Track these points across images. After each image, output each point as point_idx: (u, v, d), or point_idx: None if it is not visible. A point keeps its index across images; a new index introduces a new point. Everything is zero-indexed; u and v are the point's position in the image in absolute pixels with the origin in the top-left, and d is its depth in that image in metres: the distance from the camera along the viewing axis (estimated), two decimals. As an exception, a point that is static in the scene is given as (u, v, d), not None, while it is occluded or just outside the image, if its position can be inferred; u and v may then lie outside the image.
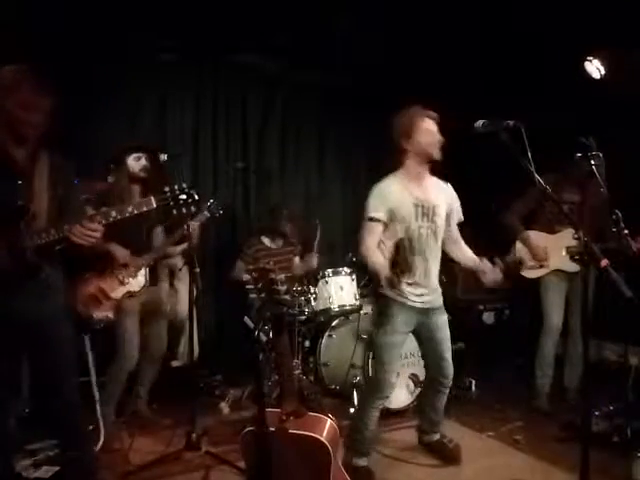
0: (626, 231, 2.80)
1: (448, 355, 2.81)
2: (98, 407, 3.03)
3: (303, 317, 3.76)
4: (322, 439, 2.02)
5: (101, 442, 2.94)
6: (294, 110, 5.07)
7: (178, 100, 4.51)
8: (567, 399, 3.63)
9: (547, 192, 2.22)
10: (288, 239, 4.28)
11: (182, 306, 3.79)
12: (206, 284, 3.09)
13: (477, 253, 2.88)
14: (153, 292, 3.33)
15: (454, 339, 4.50)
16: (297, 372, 3.53)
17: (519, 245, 3.69)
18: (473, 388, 4.05)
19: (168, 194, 2.20)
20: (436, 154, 2.64)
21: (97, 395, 3.04)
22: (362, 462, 2.77)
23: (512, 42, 4.05)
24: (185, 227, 3.12)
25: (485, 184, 4.74)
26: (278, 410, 2.13)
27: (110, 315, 3.05)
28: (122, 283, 3.10)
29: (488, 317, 4.80)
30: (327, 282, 3.89)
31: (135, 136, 4.16)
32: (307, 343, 3.97)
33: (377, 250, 2.60)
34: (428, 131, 2.63)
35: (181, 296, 3.82)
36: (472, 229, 3.03)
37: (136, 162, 3.21)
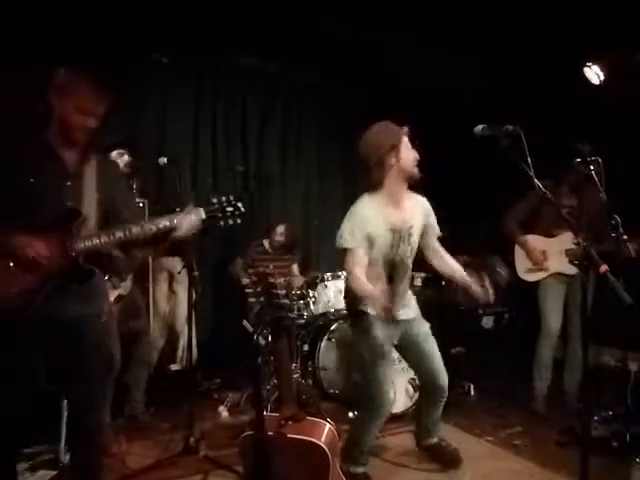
0: (625, 236, 2.80)
1: (440, 365, 2.75)
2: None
3: (302, 321, 3.75)
4: (321, 444, 2.01)
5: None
6: (294, 112, 5.07)
7: (178, 102, 4.52)
8: (567, 404, 3.62)
9: (547, 197, 2.22)
10: (287, 249, 4.31)
11: (181, 309, 3.79)
12: (205, 288, 3.08)
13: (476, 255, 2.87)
14: (133, 294, 3.32)
15: (453, 343, 4.56)
16: (296, 376, 3.53)
17: (518, 249, 3.71)
18: (472, 392, 4.05)
19: (216, 205, 2.18)
20: (415, 175, 2.57)
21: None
22: (359, 469, 2.74)
23: (511, 47, 4.06)
24: None
25: (483, 188, 4.74)
26: (277, 414, 2.13)
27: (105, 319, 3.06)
28: (115, 287, 3.11)
29: (487, 321, 4.80)
30: (326, 286, 3.89)
31: (135, 138, 4.16)
32: (306, 347, 3.95)
33: (362, 277, 2.50)
34: (408, 150, 2.56)
35: (180, 299, 3.82)
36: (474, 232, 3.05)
37: (120, 158, 3.20)
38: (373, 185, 2.58)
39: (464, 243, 4.55)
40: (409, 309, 2.73)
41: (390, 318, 2.52)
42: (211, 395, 3.96)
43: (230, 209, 2.20)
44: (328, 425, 2.15)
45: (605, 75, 3.94)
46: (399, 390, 3.46)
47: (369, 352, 2.57)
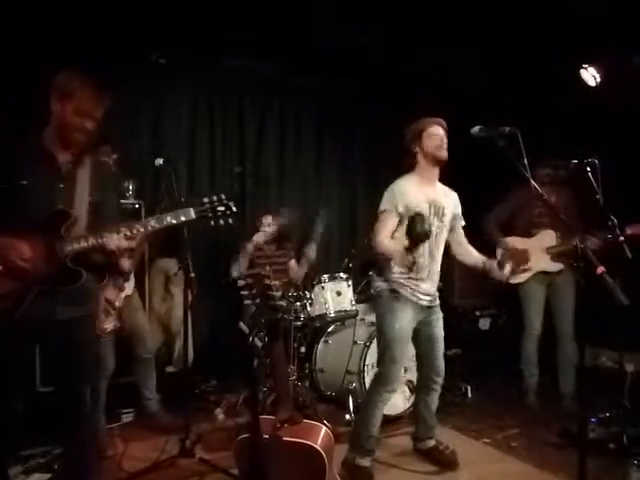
0: (622, 237, 2.80)
1: (441, 353, 2.92)
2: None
3: (299, 323, 3.74)
4: (317, 447, 2.00)
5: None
6: (292, 113, 5.06)
7: (175, 103, 4.50)
8: (564, 405, 3.62)
9: (544, 198, 2.23)
10: (281, 243, 4.28)
11: (177, 311, 3.77)
12: (201, 289, 3.07)
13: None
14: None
15: (450, 345, 4.55)
16: (292, 378, 3.52)
17: (499, 252, 3.76)
18: (469, 394, 4.05)
19: (207, 205, 2.18)
20: (443, 155, 2.78)
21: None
22: (365, 462, 2.78)
23: (508, 48, 4.07)
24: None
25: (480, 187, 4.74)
26: (273, 417, 2.12)
27: (117, 324, 3.07)
28: (121, 290, 3.12)
29: (484, 323, 4.80)
30: (323, 287, 3.87)
31: (133, 139, 4.16)
32: (303, 349, 3.94)
33: (389, 239, 2.73)
34: (435, 135, 2.79)
35: (176, 301, 3.80)
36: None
37: (109, 156, 3.19)
38: (406, 169, 2.88)
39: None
40: (435, 298, 2.90)
41: (406, 289, 2.72)
42: (207, 397, 3.94)
43: (221, 208, 2.20)
44: (324, 428, 2.14)
45: (601, 77, 3.94)
46: (396, 393, 3.45)
47: (391, 331, 2.74)
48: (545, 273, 3.67)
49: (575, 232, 2.18)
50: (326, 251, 5.07)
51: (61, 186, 2.04)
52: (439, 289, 2.93)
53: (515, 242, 3.73)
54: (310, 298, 3.80)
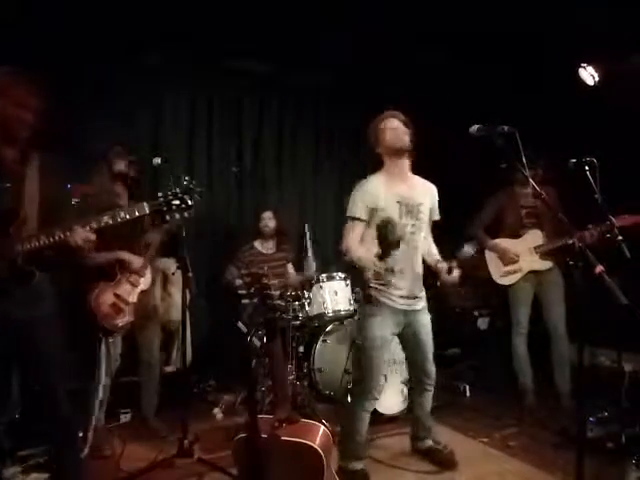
0: (620, 237, 2.81)
1: (431, 356, 2.85)
2: (96, 411, 3.04)
3: (297, 322, 3.74)
4: (315, 446, 2.00)
5: (87, 448, 2.89)
6: (289, 114, 5.06)
7: (173, 103, 4.50)
8: (561, 405, 3.62)
9: (542, 197, 2.23)
10: (279, 243, 4.29)
11: (175, 311, 3.77)
12: (199, 289, 3.06)
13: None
14: (148, 293, 3.31)
15: (449, 344, 4.55)
16: (291, 378, 3.51)
17: (488, 254, 3.78)
18: (467, 394, 4.05)
19: (161, 199, 2.19)
20: (401, 144, 2.70)
21: (97, 399, 3.06)
22: (358, 466, 2.76)
23: (507, 47, 4.07)
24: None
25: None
26: (271, 416, 2.11)
27: (131, 319, 3.11)
28: (135, 285, 3.14)
29: (482, 323, 4.80)
30: (321, 287, 3.88)
31: (131, 139, 4.14)
32: (301, 348, 3.94)
33: (359, 246, 2.64)
34: (389, 129, 2.72)
35: (174, 300, 3.80)
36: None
37: (119, 159, 3.20)
38: (375, 168, 2.81)
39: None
40: (420, 301, 2.80)
41: (383, 280, 2.56)
42: (205, 397, 3.95)
43: (176, 202, 2.20)
44: (322, 427, 2.14)
45: (600, 76, 3.95)
46: (394, 392, 3.46)
47: (369, 337, 2.66)
48: (534, 272, 3.68)
49: (571, 230, 2.18)
50: (324, 250, 5.07)
51: (8, 185, 2.00)
52: (437, 289, 2.90)
53: (503, 243, 3.74)
54: (308, 297, 3.81)
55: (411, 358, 2.90)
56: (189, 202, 2.24)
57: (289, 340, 3.63)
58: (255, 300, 2.23)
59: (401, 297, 2.69)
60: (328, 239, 5.13)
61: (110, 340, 3.11)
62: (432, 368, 2.87)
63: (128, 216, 2.12)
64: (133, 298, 3.13)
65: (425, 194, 2.80)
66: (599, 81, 3.96)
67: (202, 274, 4.25)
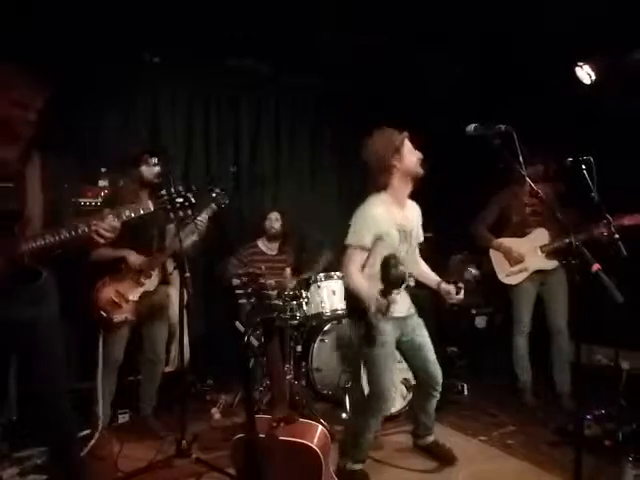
0: (617, 235, 2.82)
1: (433, 356, 2.82)
2: (100, 409, 3.05)
3: (295, 322, 3.73)
4: (313, 446, 2.00)
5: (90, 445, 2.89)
6: (287, 113, 5.05)
7: (170, 102, 4.49)
8: (560, 404, 3.62)
9: (540, 196, 2.23)
10: (282, 245, 4.28)
11: (173, 311, 3.76)
12: (197, 288, 3.06)
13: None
14: (157, 292, 3.31)
15: (447, 343, 4.55)
16: (289, 377, 3.51)
17: (493, 254, 3.77)
18: (465, 392, 4.05)
19: (165, 197, 2.21)
20: (420, 172, 2.66)
21: (99, 397, 3.08)
22: (357, 466, 2.75)
23: (504, 46, 4.08)
24: (194, 221, 3.16)
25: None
26: (269, 416, 2.11)
27: (129, 317, 3.14)
28: (139, 285, 3.16)
29: (480, 321, 4.80)
30: (319, 286, 3.87)
31: (128, 138, 4.14)
32: (299, 348, 3.93)
33: (359, 275, 2.58)
34: (412, 150, 2.67)
35: (172, 300, 3.79)
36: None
37: (149, 167, 3.21)
38: (379, 188, 2.67)
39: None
40: (408, 305, 2.80)
41: (385, 314, 2.48)
42: (203, 397, 3.94)
43: (180, 200, 2.22)
44: (320, 427, 2.14)
45: (596, 75, 3.95)
46: (393, 391, 3.45)
47: (375, 350, 2.60)
48: (538, 271, 3.66)
49: (568, 228, 2.18)
50: (322, 250, 5.07)
51: (11, 185, 1.99)
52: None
53: (508, 242, 3.72)
54: (306, 297, 3.80)
55: (416, 364, 2.85)
56: (192, 200, 2.26)
57: (287, 340, 3.63)
58: (253, 300, 2.22)
59: (397, 308, 2.62)
60: (326, 239, 5.12)
61: (109, 337, 3.12)
62: (438, 370, 2.82)
63: (133, 214, 2.12)
64: (134, 297, 3.14)
65: (414, 218, 2.80)
66: (596, 80, 3.96)
67: (199, 274, 4.24)
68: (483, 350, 4.56)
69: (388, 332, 2.64)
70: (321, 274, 3.96)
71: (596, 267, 1.92)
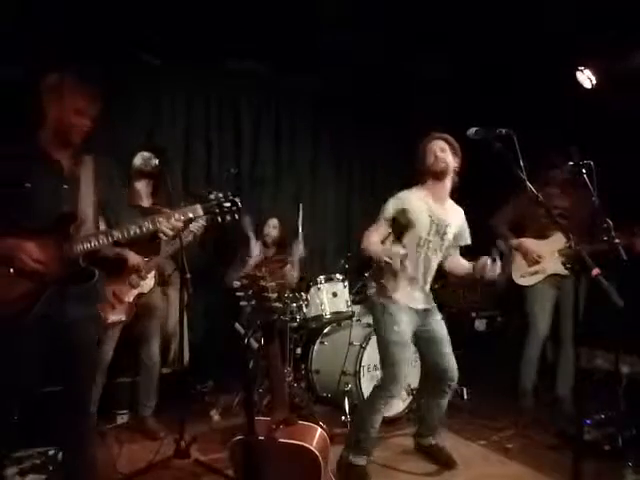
0: (617, 240, 2.81)
1: (450, 352, 2.86)
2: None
3: (295, 324, 3.73)
4: (312, 448, 2.00)
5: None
6: (287, 114, 5.06)
7: (170, 104, 4.49)
8: (560, 408, 3.61)
9: (539, 200, 2.23)
10: (280, 247, 4.29)
11: (172, 312, 3.76)
12: (197, 290, 3.06)
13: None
14: (152, 294, 3.32)
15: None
16: (288, 379, 3.51)
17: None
18: (465, 396, 4.04)
19: (214, 201, 2.19)
20: (437, 168, 2.77)
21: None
22: (360, 461, 2.76)
23: (504, 49, 4.08)
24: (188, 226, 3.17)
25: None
26: (268, 418, 2.11)
27: (123, 318, 3.13)
28: (134, 286, 3.16)
29: (480, 324, 4.80)
30: (319, 288, 3.87)
31: (128, 139, 4.14)
32: (299, 350, 3.94)
33: (376, 239, 2.73)
34: (430, 151, 2.80)
35: (172, 302, 3.79)
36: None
37: (143, 159, 3.25)
38: (416, 183, 2.88)
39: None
40: (430, 299, 2.90)
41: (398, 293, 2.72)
42: (203, 398, 3.94)
43: (227, 205, 2.20)
44: (320, 429, 2.14)
45: (597, 79, 3.96)
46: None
47: (390, 334, 2.71)
48: (556, 276, 3.58)
49: (570, 235, 2.17)
50: (322, 252, 5.07)
51: (65, 187, 2.06)
52: (433, 290, 2.92)
53: (528, 243, 3.66)
54: (306, 299, 3.80)
55: (432, 359, 2.88)
56: (239, 204, 2.24)
57: (287, 342, 3.63)
58: (253, 302, 2.23)
59: (413, 298, 2.79)
60: (326, 240, 5.13)
61: (100, 337, 3.11)
62: (455, 365, 2.86)
63: (182, 217, 2.13)
64: (129, 298, 3.14)
65: (454, 217, 2.90)
66: (597, 84, 3.97)
67: (199, 275, 4.24)
68: (483, 353, 4.56)
69: (405, 322, 2.73)
70: (321, 276, 3.96)
71: (596, 272, 1.92)
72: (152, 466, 2.81)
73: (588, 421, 3.07)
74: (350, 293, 3.93)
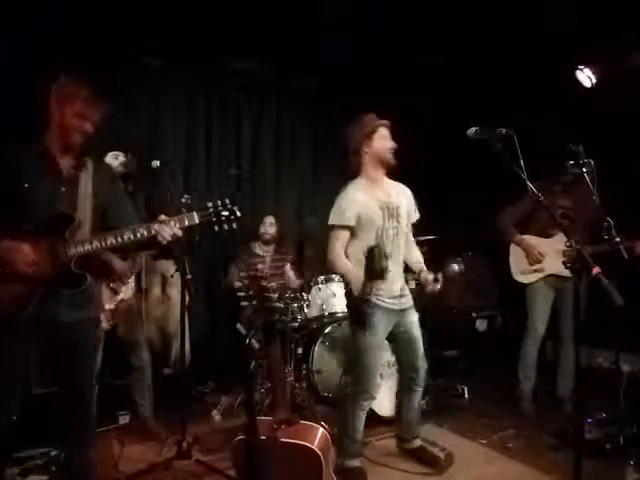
0: (618, 239, 2.81)
1: (421, 353, 2.88)
2: None
3: (296, 324, 3.74)
4: (314, 448, 2.01)
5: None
6: (288, 115, 5.06)
7: (171, 105, 4.50)
8: (560, 408, 3.62)
9: (540, 199, 2.23)
10: (278, 246, 4.29)
11: (174, 313, 3.76)
12: (198, 291, 3.06)
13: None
14: (132, 300, 3.30)
15: (447, 346, 4.56)
16: (289, 380, 3.51)
17: (513, 250, 3.73)
18: (466, 395, 4.05)
19: (211, 210, 2.13)
20: (391, 159, 2.76)
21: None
22: (355, 463, 2.77)
23: (505, 49, 4.09)
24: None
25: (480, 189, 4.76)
26: (270, 418, 2.12)
27: (105, 325, 3.08)
28: (116, 293, 3.13)
29: (481, 324, 4.80)
30: (320, 289, 3.88)
31: (130, 141, 4.14)
32: (300, 350, 3.94)
33: (344, 257, 2.71)
34: (386, 137, 2.76)
35: (173, 303, 3.79)
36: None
37: (114, 159, 3.19)
38: (352, 172, 2.83)
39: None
40: (407, 298, 2.85)
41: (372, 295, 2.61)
42: (204, 399, 3.94)
43: (225, 213, 2.13)
44: (321, 429, 2.14)
45: (597, 78, 3.96)
46: (388, 395, 3.44)
47: (366, 338, 2.68)
48: (556, 276, 3.58)
49: (571, 234, 2.17)
50: (322, 252, 5.06)
51: (63, 189, 2.05)
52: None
53: (532, 240, 3.66)
54: (307, 299, 3.81)
55: (403, 357, 2.92)
56: (238, 213, 2.15)
57: (288, 342, 3.63)
58: (254, 302, 2.24)
59: (389, 297, 2.74)
60: (326, 242, 5.12)
61: None
62: (423, 365, 2.90)
63: (178, 225, 2.09)
64: (110, 305, 3.10)
65: (400, 196, 2.85)
66: (596, 83, 3.97)
67: (200, 276, 4.25)
68: (483, 353, 4.56)
69: (378, 320, 2.69)
70: (321, 276, 3.96)
71: (596, 270, 1.92)
72: (154, 467, 2.82)
73: (589, 420, 3.06)
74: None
